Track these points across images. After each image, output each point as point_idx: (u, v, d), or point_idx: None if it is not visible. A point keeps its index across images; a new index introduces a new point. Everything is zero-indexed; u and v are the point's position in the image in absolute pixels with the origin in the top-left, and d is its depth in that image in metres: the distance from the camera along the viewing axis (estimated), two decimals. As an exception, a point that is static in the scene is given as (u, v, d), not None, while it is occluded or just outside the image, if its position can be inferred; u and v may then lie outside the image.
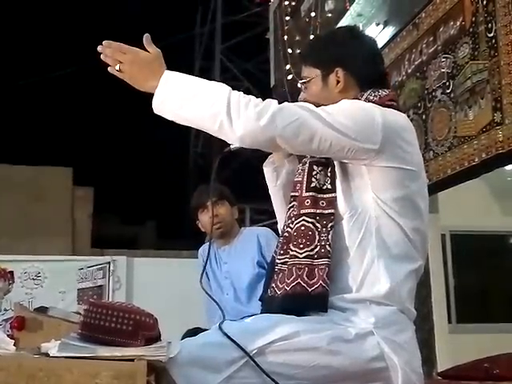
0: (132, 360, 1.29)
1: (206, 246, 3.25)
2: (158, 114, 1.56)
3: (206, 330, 1.71)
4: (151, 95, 1.54)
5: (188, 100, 1.51)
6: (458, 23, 3.79)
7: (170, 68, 1.56)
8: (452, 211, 4.97)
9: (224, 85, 1.53)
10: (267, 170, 1.84)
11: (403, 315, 1.56)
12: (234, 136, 1.49)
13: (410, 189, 1.59)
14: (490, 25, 3.46)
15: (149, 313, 1.39)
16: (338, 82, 1.70)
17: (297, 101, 1.70)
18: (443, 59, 3.94)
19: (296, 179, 1.73)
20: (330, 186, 1.61)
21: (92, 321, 1.35)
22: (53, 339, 1.40)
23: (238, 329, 1.47)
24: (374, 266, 1.55)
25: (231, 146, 1.72)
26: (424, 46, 4.20)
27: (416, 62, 4.30)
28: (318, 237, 1.56)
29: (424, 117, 4.14)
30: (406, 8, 4.54)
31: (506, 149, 3.27)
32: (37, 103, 14.54)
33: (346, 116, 1.53)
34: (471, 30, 3.64)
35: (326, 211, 1.58)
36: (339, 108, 1.55)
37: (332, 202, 1.58)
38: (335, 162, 1.62)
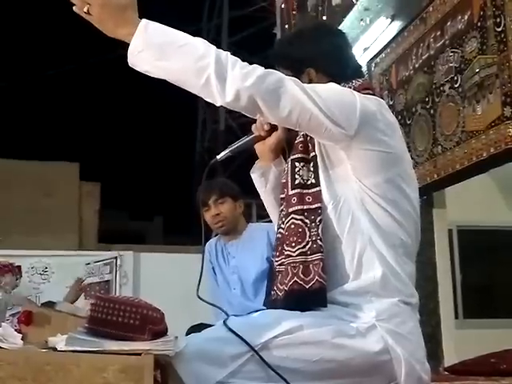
0: (139, 354, 1.30)
1: (212, 242, 3.24)
2: (132, 65, 1.47)
3: (209, 325, 1.71)
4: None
5: (172, 50, 1.44)
6: (466, 17, 3.77)
7: None
8: (459, 206, 4.95)
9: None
10: (255, 176, 1.83)
11: (404, 306, 1.55)
12: (220, 94, 1.45)
13: (392, 172, 1.58)
14: (498, 19, 3.43)
15: (156, 307, 1.39)
16: (311, 81, 1.69)
17: None
18: (451, 54, 3.92)
19: (283, 181, 1.72)
20: (313, 181, 1.60)
21: (99, 315, 1.35)
22: (60, 333, 1.40)
23: (243, 324, 1.48)
24: (367, 252, 1.55)
25: (217, 156, 1.74)
26: (432, 40, 4.18)
27: (424, 57, 4.28)
28: (308, 232, 1.56)
29: (432, 111, 4.12)
30: (414, 2, 4.52)
31: (515, 143, 3.26)
32: (43, 99, 14.57)
33: (328, 95, 1.52)
34: (479, 24, 3.61)
35: (313, 206, 1.57)
36: (323, 88, 1.55)
37: (318, 196, 1.58)
38: (317, 154, 1.62)
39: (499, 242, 5.83)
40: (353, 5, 5.07)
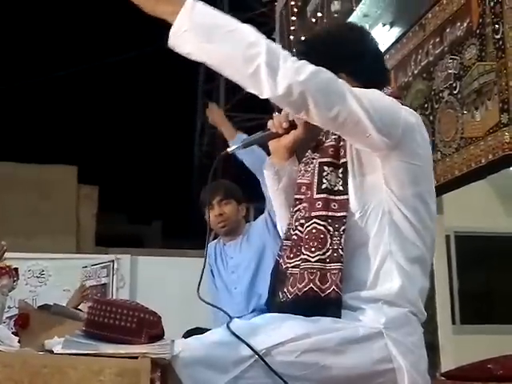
0: (136, 357, 1.29)
1: (212, 245, 3.25)
2: (173, 45, 1.38)
3: (206, 329, 1.70)
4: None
5: (220, 33, 1.36)
6: (465, 24, 3.78)
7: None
8: (457, 212, 4.96)
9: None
10: (268, 173, 1.78)
11: (414, 317, 1.55)
12: (270, 86, 1.38)
13: (422, 187, 1.58)
14: (497, 26, 3.45)
15: (152, 311, 1.39)
16: None
17: None
18: (450, 60, 3.93)
19: (300, 181, 1.69)
20: (341, 188, 1.56)
21: (96, 318, 1.35)
22: (56, 336, 1.40)
23: (247, 328, 1.45)
24: (387, 263, 1.53)
25: (228, 149, 1.70)
26: (431, 46, 4.19)
27: (422, 63, 4.29)
28: (329, 240, 1.52)
29: (431, 118, 4.13)
30: (413, 9, 4.53)
31: (512, 150, 3.27)
32: (41, 102, 14.58)
33: (376, 102, 1.49)
34: (478, 31, 3.63)
35: (338, 214, 1.53)
36: (370, 93, 1.52)
37: (344, 205, 1.54)
38: (348, 160, 1.58)
39: (497, 248, 5.84)
40: (352, 11, 5.09)
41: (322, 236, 1.52)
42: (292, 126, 1.68)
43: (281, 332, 1.44)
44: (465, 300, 5.56)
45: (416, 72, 4.38)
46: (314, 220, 1.55)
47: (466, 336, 5.13)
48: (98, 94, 14.77)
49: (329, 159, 1.60)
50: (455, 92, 3.85)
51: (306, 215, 1.59)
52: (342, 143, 1.60)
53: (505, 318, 5.49)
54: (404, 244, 1.54)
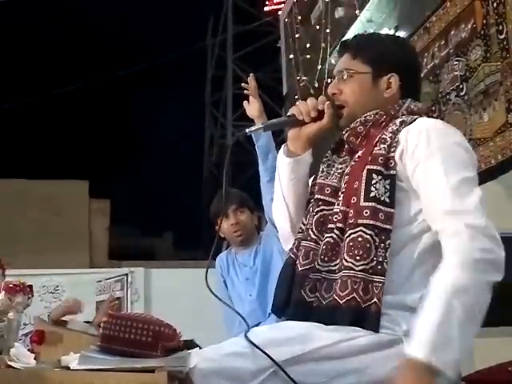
0: (153, 371, 1.29)
1: (223, 256, 3.24)
2: (455, 370, 1.43)
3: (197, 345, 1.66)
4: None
5: (463, 330, 1.43)
6: (470, 26, 3.78)
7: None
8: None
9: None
10: (284, 160, 1.71)
11: None
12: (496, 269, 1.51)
13: None
14: (500, 26, 3.44)
15: (168, 323, 1.39)
16: (389, 87, 1.67)
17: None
18: (456, 62, 3.92)
19: (323, 181, 1.67)
20: (388, 200, 1.52)
21: (111, 333, 1.35)
22: (72, 352, 1.40)
23: (265, 338, 1.43)
24: (414, 275, 1.53)
25: (246, 130, 1.66)
26: (436, 49, 4.19)
27: (428, 66, 4.28)
28: (374, 251, 1.49)
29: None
30: (417, 12, 4.53)
31: (521, 150, 3.26)
32: (51, 118, 14.67)
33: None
34: (482, 32, 3.62)
35: (385, 226, 1.51)
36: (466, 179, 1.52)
37: (390, 218, 1.51)
38: (396, 173, 1.55)
39: (509, 249, 5.77)
40: (356, 17, 5.09)
41: (367, 245, 1.49)
42: (319, 115, 1.66)
43: (300, 341, 1.42)
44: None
45: (422, 75, 4.37)
46: (361, 228, 1.51)
47: (485, 339, 5.06)
48: (108, 109, 14.85)
49: (378, 167, 1.55)
50: (462, 94, 3.84)
51: (350, 221, 1.54)
52: (391, 154, 1.56)
53: (522, 319, 5.43)
54: (431, 256, 1.53)
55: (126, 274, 6.76)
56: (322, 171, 1.70)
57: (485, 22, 3.60)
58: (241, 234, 3.08)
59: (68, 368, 1.33)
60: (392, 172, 1.55)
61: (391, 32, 4.81)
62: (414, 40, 4.50)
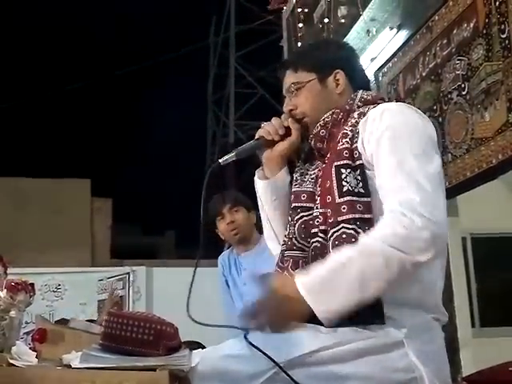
0: (154, 370, 1.29)
1: (225, 254, 3.24)
2: (329, 321, 1.41)
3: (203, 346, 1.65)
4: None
5: (350, 287, 1.38)
6: (472, 25, 3.77)
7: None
8: (472, 214, 4.92)
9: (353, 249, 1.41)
10: (262, 184, 1.76)
11: (436, 323, 1.53)
12: (421, 251, 1.39)
13: None
14: (503, 26, 3.44)
15: (169, 322, 1.39)
16: (338, 84, 1.68)
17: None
18: (457, 61, 3.92)
19: (298, 189, 1.67)
20: (362, 190, 1.51)
21: (113, 331, 1.35)
22: (74, 351, 1.40)
23: (264, 340, 1.42)
24: None
25: (220, 160, 1.65)
26: (438, 48, 4.18)
27: (430, 65, 4.28)
28: None
29: (441, 119, 4.12)
30: (419, 11, 4.53)
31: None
32: (53, 117, 14.68)
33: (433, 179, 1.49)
34: (484, 31, 3.62)
35: (365, 216, 1.49)
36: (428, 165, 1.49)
37: (369, 207, 1.50)
38: (363, 163, 1.54)
39: (510, 250, 5.78)
40: (359, 16, 5.10)
41: (352, 240, 1.47)
42: (286, 132, 1.68)
43: (301, 344, 1.42)
44: (483, 303, 5.50)
45: (424, 74, 4.37)
46: (342, 225, 1.49)
47: (485, 339, 5.07)
48: (110, 108, 14.86)
49: (345, 161, 1.55)
50: (464, 93, 3.84)
51: (330, 221, 1.53)
52: (354, 145, 1.56)
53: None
54: None
55: (128, 273, 6.77)
56: (296, 180, 1.71)
57: (487, 21, 3.60)
58: (237, 232, 3.08)
59: (70, 366, 1.33)
60: (359, 162, 1.54)
61: (394, 31, 4.81)
62: (417, 39, 4.50)
